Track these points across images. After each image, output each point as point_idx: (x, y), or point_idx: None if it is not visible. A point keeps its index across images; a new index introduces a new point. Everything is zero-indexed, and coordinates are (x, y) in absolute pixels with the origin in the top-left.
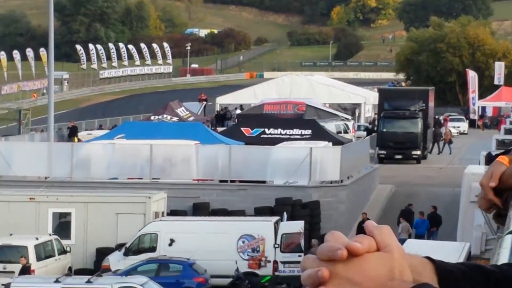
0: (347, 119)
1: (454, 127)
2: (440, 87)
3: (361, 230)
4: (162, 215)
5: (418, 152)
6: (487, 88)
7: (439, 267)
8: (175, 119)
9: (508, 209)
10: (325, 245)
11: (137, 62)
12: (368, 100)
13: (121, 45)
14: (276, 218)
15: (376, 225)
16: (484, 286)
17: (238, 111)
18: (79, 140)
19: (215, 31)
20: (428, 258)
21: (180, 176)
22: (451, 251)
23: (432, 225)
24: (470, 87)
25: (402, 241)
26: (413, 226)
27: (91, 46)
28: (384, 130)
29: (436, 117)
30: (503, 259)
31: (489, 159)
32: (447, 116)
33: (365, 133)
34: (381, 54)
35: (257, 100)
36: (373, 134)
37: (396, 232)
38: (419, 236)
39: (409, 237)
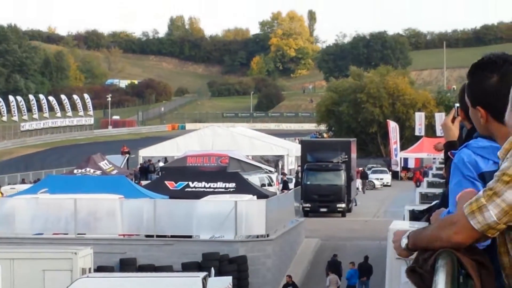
0: (271, 171)
1: (377, 179)
2: (362, 138)
3: None
4: (89, 271)
5: (343, 205)
6: (408, 139)
7: None
8: (98, 172)
9: (422, 267)
10: None
11: (58, 114)
12: (290, 151)
13: (41, 96)
14: (204, 273)
15: None
16: None
17: (161, 164)
18: (2, 195)
19: (136, 82)
20: None
21: (105, 231)
22: None
23: (363, 275)
24: (392, 138)
25: None
26: (346, 276)
27: (11, 98)
28: (308, 182)
29: (361, 169)
30: None
31: (414, 216)
32: (358, 169)
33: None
34: (302, 105)
35: (180, 152)
36: (290, 186)
37: (324, 286)
38: (352, 286)
39: None
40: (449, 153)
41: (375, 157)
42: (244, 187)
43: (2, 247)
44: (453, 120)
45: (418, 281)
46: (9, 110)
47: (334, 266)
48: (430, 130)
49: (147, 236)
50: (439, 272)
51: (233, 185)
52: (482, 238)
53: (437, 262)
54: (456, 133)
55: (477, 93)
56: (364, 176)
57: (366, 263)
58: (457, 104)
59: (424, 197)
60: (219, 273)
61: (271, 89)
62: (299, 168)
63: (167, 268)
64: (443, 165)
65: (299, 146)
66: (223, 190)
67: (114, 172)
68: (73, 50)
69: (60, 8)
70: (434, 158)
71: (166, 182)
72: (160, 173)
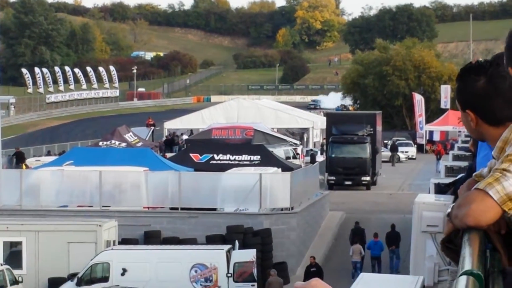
0: (296, 144)
1: (402, 152)
2: (387, 111)
3: (309, 274)
4: (114, 244)
5: (368, 178)
6: (434, 112)
7: None
8: (123, 144)
9: (454, 240)
10: None
11: (84, 86)
12: (316, 124)
13: (67, 68)
14: (228, 246)
15: (303, 283)
16: None
17: (185, 136)
18: (27, 167)
19: (161, 54)
20: None
21: (130, 203)
22: (405, 285)
23: (391, 243)
24: (417, 110)
25: (354, 263)
26: (366, 247)
27: (37, 69)
28: (333, 155)
29: (394, 141)
30: None
31: (439, 190)
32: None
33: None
34: (327, 77)
35: (205, 125)
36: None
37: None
38: (375, 258)
39: (362, 259)
40: None
41: (400, 130)
42: (269, 160)
43: (27, 219)
44: None
45: (453, 255)
46: (34, 82)
47: (358, 234)
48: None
49: (171, 208)
50: (465, 246)
51: (258, 157)
52: (498, 223)
53: (464, 236)
54: None
55: (466, 97)
56: (394, 149)
57: (393, 231)
58: None
59: (450, 170)
60: (243, 246)
61: (297, 62)
62: (324, 140)
63: (192, 241)
64: (468, 138)
65: (324, 118)
66: (248, 162)
67: (139, 144)
68: (99, 22)
69: None
70: (460, 131)
71: (191, 154)
72: (185, 145)
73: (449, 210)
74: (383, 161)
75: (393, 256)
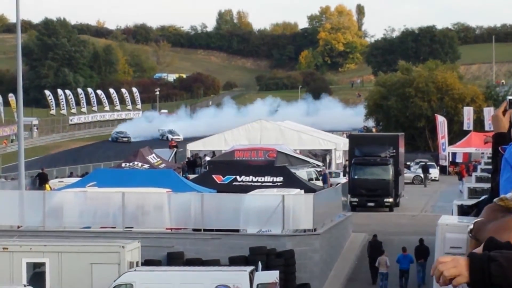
0: (318, 165)
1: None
2: (410, 133)
3: None
4: (137, 265)
5: (391, 200)
6: (456, 133)
7: None
8: (146, 166)
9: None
10: None
11: (107, 108)
12: (338, 146)
13: (90, 90)
14: (251, 267)
15: None
16: None
17: (208, 158)
18: (50, 188)
19: (184, 76)
20: None
21: (152, 224)
22: None
23: (420, 257)
24: (440, 132)
25: (382, 275)
26: (396, 261)
27: (60, 91)
28: (356, 177)
29: (424, 162)
30: None
31: (462, 212)
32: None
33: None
34: (350, 99)
35: (227, 147)
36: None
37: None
38: (403, 271)
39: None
40: (500, 148)
41: (423, 151)
42: (291, 181)
43: (50, 240)
44: (504, 113)
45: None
46: (57, 104)
47: (375, 246)
48: (479, 124)
49: (194, 230)
50: None
51: (280, 179)
52: None
53: None
54: (506, 126)
55: None
56: (425, 170)
57: (422, 245)
58: (510, 97)
59: (473, 192)
60: (266, 267)
61: (319, 83)
62: (347, 162)
63: (214, 262)
64: (490, 160)
65: (347, 140)
66: (270, 184)
67: (162, 165)
68: (122, 44)
69: (109, 2)
70: (483, 153)
71: (213, 176)
72: (207, 167)
73: (471, 226)
74: (406, 183)
75: (421, 270)
